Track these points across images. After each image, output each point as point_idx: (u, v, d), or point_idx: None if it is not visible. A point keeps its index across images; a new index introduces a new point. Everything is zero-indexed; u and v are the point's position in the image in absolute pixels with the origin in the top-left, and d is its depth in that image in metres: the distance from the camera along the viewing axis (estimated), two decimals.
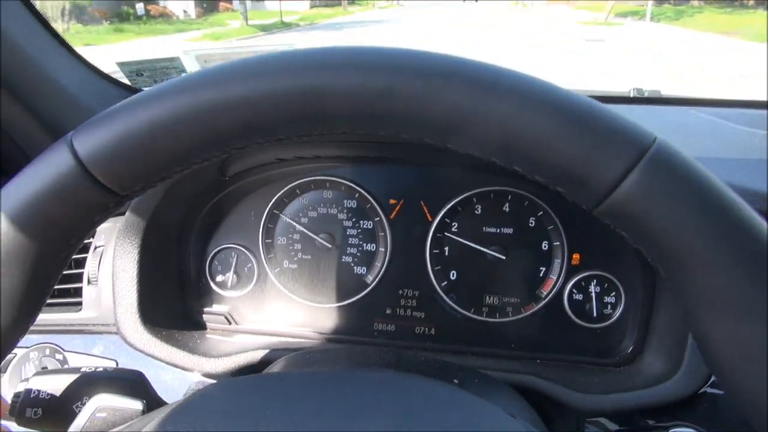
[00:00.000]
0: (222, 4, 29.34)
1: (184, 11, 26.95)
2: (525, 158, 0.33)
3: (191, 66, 1.14)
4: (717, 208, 0.30)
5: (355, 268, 0.86)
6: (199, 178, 0.78)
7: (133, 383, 0.57)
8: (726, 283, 0.30)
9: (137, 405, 0.52)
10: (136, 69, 1.16)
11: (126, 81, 1.12)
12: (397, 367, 0.59)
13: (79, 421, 0.50)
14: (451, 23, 22.19)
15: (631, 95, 1.33)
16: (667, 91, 1.36)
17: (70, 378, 0.56)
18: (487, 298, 0.83)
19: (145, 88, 0.67)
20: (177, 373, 0.80)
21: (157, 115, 0.33)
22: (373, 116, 0.33)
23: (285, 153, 0.79)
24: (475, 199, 0.82)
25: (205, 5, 27.92)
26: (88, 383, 0.56)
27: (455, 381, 0.57)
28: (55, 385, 0.56)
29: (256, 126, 0.34)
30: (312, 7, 36.87)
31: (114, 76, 1.10)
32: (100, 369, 0.58)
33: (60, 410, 0.54)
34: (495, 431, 0.41)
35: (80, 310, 0.85)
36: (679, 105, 1.24)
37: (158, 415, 0.40)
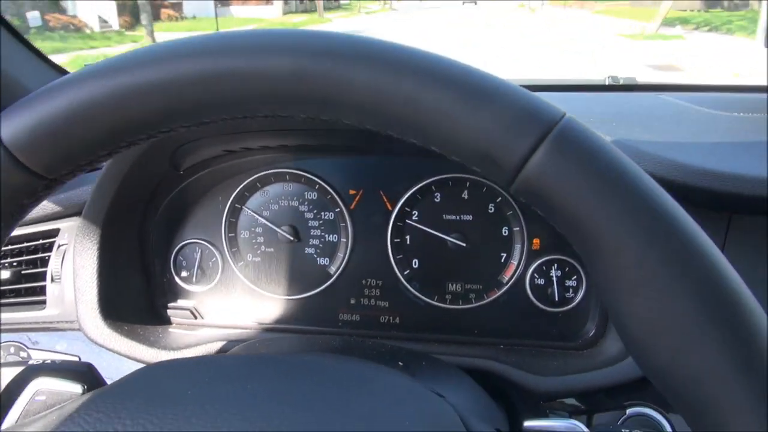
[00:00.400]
0: (165, 12, 24.37)
1: (102, 20, 19.35)
2: (439, 139, 0.33)
3: None
4: (621, 187, 0.30)
5: (318, 259, 0.86)
6: (151, 172, 0.79)
7: (79, 373, 0.57)
8: (629, 260, 0.30)
9: (77, 388, 0.52)
10: None
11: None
12: (340, 351, 0.59)
13: (19, 404, 0.50)
14: (448, 35, 17.73)
15: (607, 83, 1.33)
16: (643, 79, 1.36)
17: (17, 371, 0.56)
18: (450, 285, 0.83)
19: None
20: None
21: (77, 98, 0.34)
22: (286, 99, 0.34)
23: (232, 145, 0.80)
24: (434, 187, 0.82)
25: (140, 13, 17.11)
26: (33, 374, 0.56)
27: (400, 363, 0.57)
28: (3, 379, 0.56)
29: (172, 110, 0.34)
30: (285, 13, 34.13)
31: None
32: (48, 361, 0.59)
33: (4, 401, 0.54)
34: (413, 410, 0.41)
35: (44, 308, 0.85)
36: (652, 91, 1.24)
37: (87, 396, 0.40)
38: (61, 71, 1.05)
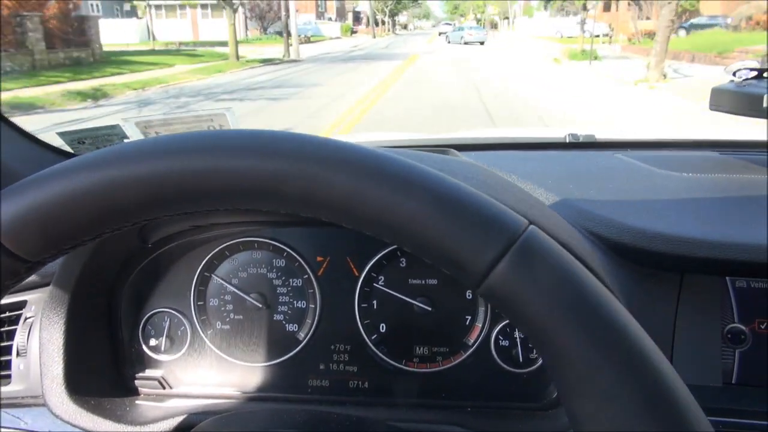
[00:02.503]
0: None
1: None
2: (411, 243, 0.36)
3: (132, 133, 1.16)
4: (577, 301, 0.33)
5: (287, 325, 0.87)
6: (120, 246, 0.80)
7: None
8: (584, 370, 0.32)
9: None
10: (77, 138, 1.18)
11: (67, 148, 1.14)
12: (307, 426, 0.60)
13: None
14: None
15: (567, 141, 1.38)
16: (601, 136, 1.43)
17: None
18: (417, 348, 0.85)
19: None
20: None
21: (65, 188, 0.36)
22: (268, 197, 0.36)
23: (200, 221, 0.81)
24: (399, 253, 0.85)
25: None
26: None
27: None
28: None
29: (156, 202, 0.37)
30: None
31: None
32: None
33: None
34: None
35: (9, 382, 0.84)
36: (610, 149, 1.29)
37: None
38: (59, 153, 1.08)
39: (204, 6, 35.93)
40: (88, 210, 0.36)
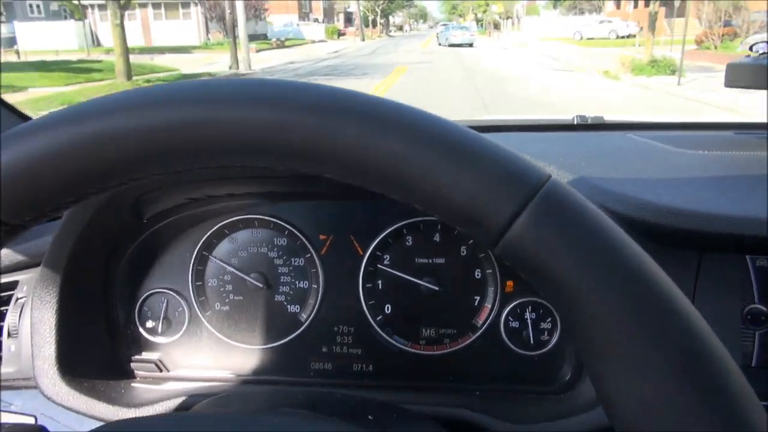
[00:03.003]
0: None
1: None
2: (423, 198, 0.32)
3: None
4: (604, 254, 0.30)
5: (289, 306, 0.84)
6: (113, 222, 0.76)
7: None
8: (612, 334, 0.29)
9: None
10: None
11: None
12: (309, 406, 0.57)
13: None
14: None
15: (575, 122, 1.35)
16: (609, 118, 1.39)
17: None
18: (424, 330, 0.82)
19: None
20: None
21: (42, 145, 0.33)
22: (266, 150, 0.33)
23: (195, 193, 0.78)
24: (405, 231, 0.81)
25: None
26: None
27: (370, 417, 0.55)
28: None
29: (146, 158, 0.33)
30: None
31: None
32: None
33: None
34: None
35: (0, 364, 0.81)
36: (619, 130, 1.26)
37: None
38: (23, 117, 1.04)
39: (156, 5, 31.34)
40: (65, 167, 0.33)
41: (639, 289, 0.29)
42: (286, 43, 32.04)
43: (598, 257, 0.29)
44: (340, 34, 50.06)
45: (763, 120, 1.25)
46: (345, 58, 22.80)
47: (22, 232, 0.36)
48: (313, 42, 38.24)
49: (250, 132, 0.32)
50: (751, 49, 0.99)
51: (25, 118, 1.06)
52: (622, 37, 29.23)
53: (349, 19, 70.21)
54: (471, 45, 32.91)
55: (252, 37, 25.64)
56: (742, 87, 1.01)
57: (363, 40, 43.73)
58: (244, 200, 0.82)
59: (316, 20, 55.88)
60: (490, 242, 0.31)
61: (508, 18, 62.67)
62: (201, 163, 0.35)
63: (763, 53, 0.99)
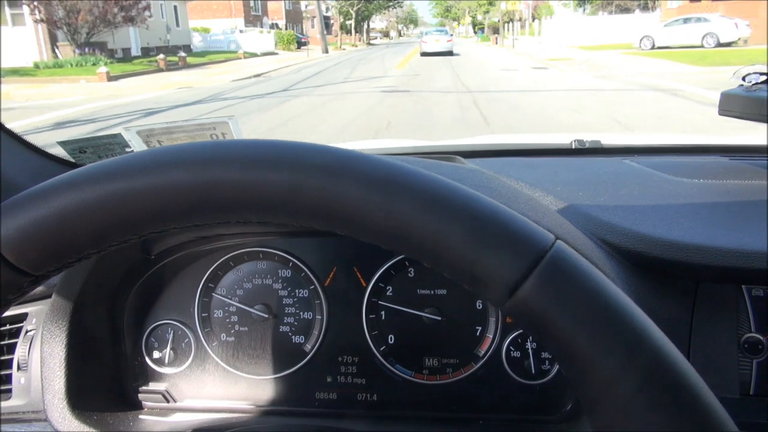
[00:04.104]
0: None
1: None
2: (432, 258, 0.34)
3: (134, 141, 1.15)
4: (607, 319, 0.32)
5: (293, 337, 0.85)
6: (123, 258, 0.78)
7: None
8: (612, 392, 0.31)
9: None
10: (78, 147, 1.17)
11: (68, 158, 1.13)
12: None
13: None
14: None
15: (573, 147, 1.37)
16: (607, 142, 1.41)
17: None
18: (427, 360, 0.83)
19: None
20: None
21: (69, 201, 0.35)
22: (280, 210, 0.35)
23: (206, 232, 0.80)
24: (407, 263, 0.83)
25: None
26: None
27: None
28: None
29: (167, 214, 0.36)
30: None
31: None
32: None
33: None
34: None
35: (10, 397, 0.83)
36: (617, 155, 1.28)
37: None
38: (60, 162, 1.07)
39: None
40: (93, 223, 0.35)
41: (642, 357, 0.31)
42: (189, 61, 22.29)
43: (601, 323, 0.31)
44: (301, 43, 39.96)
45: (760, 142, 1.27)
46: (239, 93, 12.27)
47: (44, 281, 0.38)
48: (252, 56, 29.16)
49: (267, 193, 0.34)
50: (743, 79, 1.02)
51: (67, 163, 1.09)
52: (723, 45, 18.74)
53: (327, 25, 59.49)
54: (451, 53, 26.70)
55: (98, 50, 19.82)
56: (735, 116, 1.03)
57: (326, 51, 33.57)
58: (250, 236, 0.84)
59: (275, 26, 46.70)
60: (497, 302, 0.33)
61: (508, 21, 49.12)
62: (213, 220, 0.37)
63: (756, 84, 1.01)
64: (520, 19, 48.60)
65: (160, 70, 19.25)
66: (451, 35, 32.51)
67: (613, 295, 0.32)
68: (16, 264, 0.35)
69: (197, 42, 34.42)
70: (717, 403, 0.31)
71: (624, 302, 0.33)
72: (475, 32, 77.24)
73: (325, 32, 35.85)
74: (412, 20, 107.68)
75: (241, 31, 35.53)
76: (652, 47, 21.56)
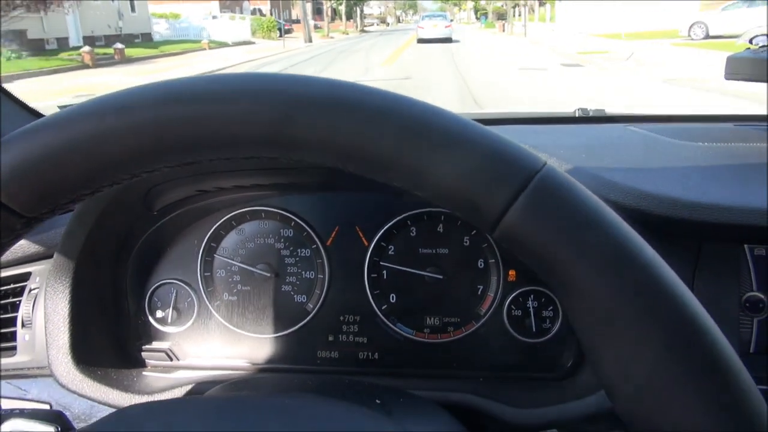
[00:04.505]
0: None
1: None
2: (422, 186, 0.34)
3: None
4: (599, 237, 0.31)
5: (296, 296, 0.85)
6: (124, 213, 0.78)
7: (49, 422, 0.56)
8: (605, 310, 0.31)
9: (50, 428, 0.51)
10: None
11: None
12: (318, 391, 0.59)
13: None
14: None
15: (576, 115, 1.36)
16: (611, 110, 1.40)
17: None
18: (428, 318, 0.83)
19: None
20: None
21: (57, 140, 0.34)
22: (274, 143, 0.34)
23: (205, 185, 0.80)
24: (409, 222, 0.83)
25: None
26: (4, 418, 0.55)
27: (377, 402, 0.57)
28: None
29: (157, 151, 0.35)
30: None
31: None
32: (17, 411, 0.57)
33: None
34: None
35: (15, 354, 0.83)
36: (620, 122, 1.27)
37: None
38: (36, 114, 1.06)
39: None
40: (83, 161, 0.34)
41: (632, 269, 0.31)
42: (133, 53, 18.43)
43: (592, 239, 0.31)
44: (283, 31, 33.78)
45: (763, 112, 1.26)
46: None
47: (38, 224, 0.38)
48: (221, 46, 25.26)
49: (259, 128, 0.34)
50: (751, 42, 1.00)
51: (30, 110, 1.08)
52: None
53: (318, 11, 56.05)
54: (450, 40, 24.88)
55: (113, 40, 18.10)
56: (742, 79, 1.02)
57: (309, 41, 28.94)
58: (252, 192, 0.84)
59: (257, 11, 42.28)
60: (488, 227, 0.33)
61: (515, 6, 46.13)
62: (206, 157, 0.36)
63: (763, 46, 1.00)
64: (527, 4, 42.49)
65: (85, 66, 15.26)
66: (451, 20, 30.23)
67: (604, 213, 0.32)
68: (8, 204, 0.34)
69: (163, 29, 29.13)
70: (704, 312, 0.31)
71: (615, 220, 0.32)
72: (477, 18, 72.77)
73: (309, 19, 30.52)
74: (411, 5, 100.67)
75: (214, 17, 30.10)
76: (706, 36, 17.15)
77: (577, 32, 23.24)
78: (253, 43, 28.20)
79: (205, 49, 22.74)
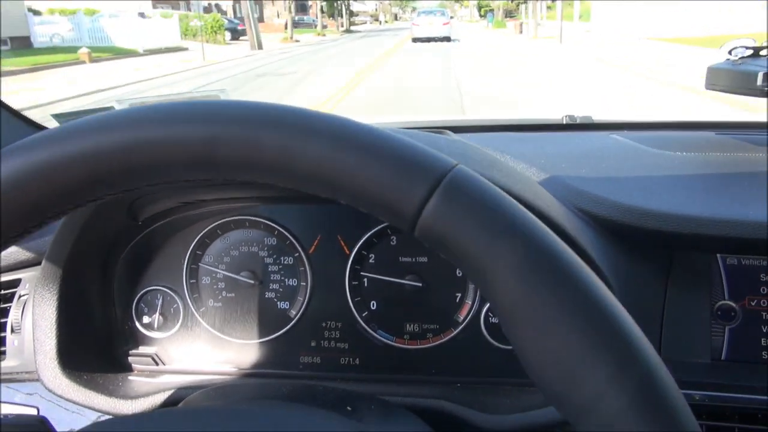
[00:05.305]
0: None
1: None
2: (344, 193, 0.36)
3: None
4: (507, 229, 0.33)
5: (279, 303, 0.87)
6: (110, 223, 0.80)
7: (32, 428, 0.58)
8: (517, 298, 0.32)
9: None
10: (72, 119, 1.19)
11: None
12: (290, 398, 0.61)
13: None
14: None
15: (564, 122, 1.38)
16: (598, 117, 1.42)
17: None
18: (408, 325, 0.85)
19: None
20: (102, 417, 0.81)
21: (25, 163, 0.36)
22: (202, 164, 0.36)
23: (187, 197, 0.82)
24: (389, 231, 0.85)
25: None
26: None
27: (348, 408, 0.59)
28: None
29: (96, 180, 0.37)
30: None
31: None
32: (0, 417, 0.59)
33: None
34: None
35: (4, 358, 0.85)
36: (606, 130, 1.29)
37: None
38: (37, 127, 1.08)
39: None
40: (25, 194, 0.36)
41: (538, 257, 0.33)
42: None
43: (500, 231, 0.33)
44: (237, 31, 27.02)
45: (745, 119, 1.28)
46: None
47: (12, 243, 0.40)
48: (123, 55, 19.25)
49: (187, 150, 0.36)
50: (730, 53, 1.02)
51: (29, 122, 1.10)
52: None
53: (303, 8, 49.04)
54: (448, 39, 22.24)
55: None
56: (721, 90, 1.03)
57: (258, 47, 22.08)
58: (235, 203, 0.86)
59: (213, 8, 36.17)
60: (409, 227, 0.35)
61: (525, 1, 37.30)
62: (146, 183, 0.38)
63: (742, 57, 1.01)
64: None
65: None
66: (451, 17, 27.40)
67: (511, 207, 0.34)
68: None
69: (65, 31, 21.53)
70: (609, 294, 0.33)
71: (527, 218, 0.34)
72: (481, 15, 64.16)
73: (255, 19, 22.50)
74: (408, 2, 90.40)
75: (141, 15, 24.04)
76: None
77: (637, 37, 17.18)
78: (185, 49, 21.38)
79: (84, 62, 16.66)
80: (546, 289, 0.32)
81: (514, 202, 0.35)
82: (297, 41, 29.17)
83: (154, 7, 27.54)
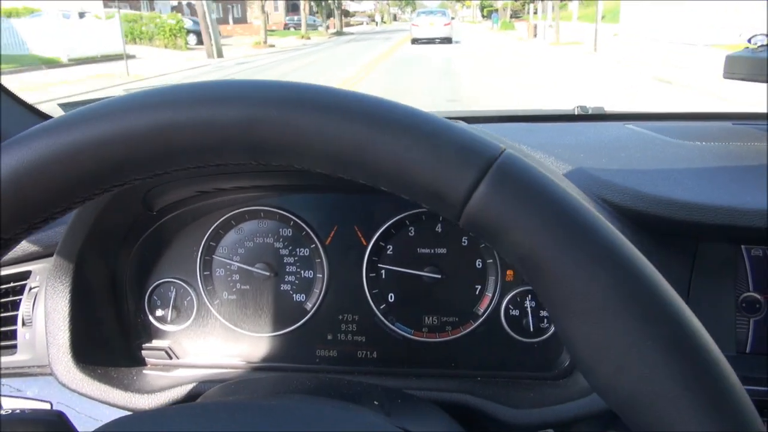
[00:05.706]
0: None
1: None
2: (388, 180, 0.34)
3: None
4: (560, 218, 0.32)
5: (295, 295, 0.86)
6: (124, 213, 0.78)
7: (50, 423, 0.56)
8: (572, 288, 0.31)
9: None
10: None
11: None
12: (315, 392, 0.59)
13: None
14: None
15: (576, 113, 1.36)
16: (610, 108, 1.40)
17: None
18: (426, 318, 0.84)
19: None
20: (116, 412, 0.79)
21: (25, 159, 0.34)
22: (238, 148, 0.34)
23: (204, 186, 0.80)
24: (407, 222, 0.83)
25: None
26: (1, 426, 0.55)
27: (375, 403, 0.57)
28: None
29: (126, 163, 0.35)
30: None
31: None
32: (17, 411, 0.58)
33: None
34: None
35: (15, 352, 0.84)
36: (619, 120, 1.27)
37: None
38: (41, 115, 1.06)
39: None
40: (52, 179, 0.34)
41: (595, 246, 0.31)
42: None
43: (552, 220, 0.31)
44: (199, 37, 20.60)
45: (762, 110, 1.26)
46: None
47: (16, 243, 0.37)
48: (32, 65, 14.00)
49: (224, 132, 0.34)
50: (749, 41, 1.01)
51: (37, 112, 1.08)
52: None
53: (294, 8, 45.81)
54: (449, 41, 21.59)
55: None
56: (740, 79, 1.02)
57: (218, 55, 18.73)
58: (251, 192, 0.84)
59: (186, 7, 32.20)
60: (454, 215, 0.33)
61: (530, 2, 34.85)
62: (186, 164, 0.36)
63: (762, 45, 1.00)
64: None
65: None
66: (452, 18, 26.68)
67: (565, 197, 0.32)
68: None
69: None
70: (684, 306, 0.31)
71: (577, 205, 0.33)
72: (484, 16, 61.29)
73: (214, 20, 18.52)
74: (408, 2, 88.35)
75: (80, 15, 18.74)
76: None
77: (687, 43, 13.99)
78: (132, 56, 17.09)
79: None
80: (608, 280, 0.30)
81: (563, 188, 0.33)
82: (272, 46, 25.29)
83: (106, 6, 22.46)
